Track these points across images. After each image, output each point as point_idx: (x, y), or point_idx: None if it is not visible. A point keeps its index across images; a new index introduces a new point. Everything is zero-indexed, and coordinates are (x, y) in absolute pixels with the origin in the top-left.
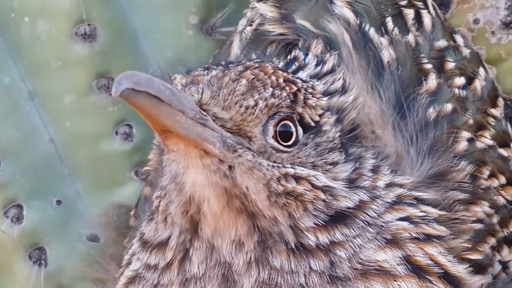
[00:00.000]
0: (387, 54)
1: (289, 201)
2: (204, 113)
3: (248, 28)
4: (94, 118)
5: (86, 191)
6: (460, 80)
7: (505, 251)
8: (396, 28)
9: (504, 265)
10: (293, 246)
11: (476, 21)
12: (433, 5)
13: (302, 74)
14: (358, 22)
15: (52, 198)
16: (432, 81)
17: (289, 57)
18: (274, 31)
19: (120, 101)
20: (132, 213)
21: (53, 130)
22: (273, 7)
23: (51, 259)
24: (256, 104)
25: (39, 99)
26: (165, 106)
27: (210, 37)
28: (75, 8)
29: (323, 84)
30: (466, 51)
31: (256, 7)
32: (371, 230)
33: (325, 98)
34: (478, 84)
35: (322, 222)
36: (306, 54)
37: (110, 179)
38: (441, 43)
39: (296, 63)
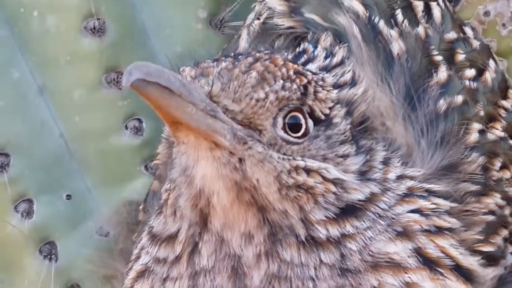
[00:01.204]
0: (397, 46)
1: (299, 194)
2: (215, 105)
3: (256, 22)
4: (104, 112)
5: (96, 186)
6: (470, 72)
7: None
8: (405, 20)
9: None
10: (303, 239)
11: (486, 14)
12: None
13: (312, 67)
14: (367, 14)
15: (62, 193)
16: (442, 73)
17: (298, 49)
18: (283, 24)
19: (129, 96)
20: (141, 207)
21: (62, 124)
22: (282, 1)
23: (61, 253)
24: (267, 97)
25: (49, 94)
26: (175, 97)
27: (219, 31)
28: (84, 2)
29: (333, 76)
30: (476, 43)
31: (264, 0)
32: (382, 222)
33: (335, 91)
34: (489, 76)
35: (332, 215)
36: (315, 47)
37: (120, 174)
38: (451, 35)
39: (305, 56)
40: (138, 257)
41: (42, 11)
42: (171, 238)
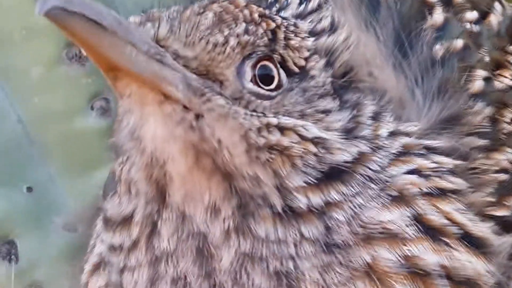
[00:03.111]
0: None
1: (273, 156)
2: (162, 49)
3: None
4: (66, 92)
5: (60, 175)
6: (472, 14)
7: None
8: None
9: None
10: (280, 210)
11: None
12: None
13: (284, 15)
14: None
15: (22, 184)
16: (438, 16)
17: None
18: None
19: (95, 73)
20: (100, 193)
21: (20, 108)
22: None
23: (22, 253)
24: (227, 41)
25: (3, 74)
26: (108, 34)
27: None
28: None
29: (309, 23)
30: None
31: None
32: (374, 186)
33: (312, 39)
34: (494, 19)
35: (314, 180)
36: None
37: (87, 161)
38: None
39: (276, 5)
40: (93, 247)
41: None
42: (126, 220)
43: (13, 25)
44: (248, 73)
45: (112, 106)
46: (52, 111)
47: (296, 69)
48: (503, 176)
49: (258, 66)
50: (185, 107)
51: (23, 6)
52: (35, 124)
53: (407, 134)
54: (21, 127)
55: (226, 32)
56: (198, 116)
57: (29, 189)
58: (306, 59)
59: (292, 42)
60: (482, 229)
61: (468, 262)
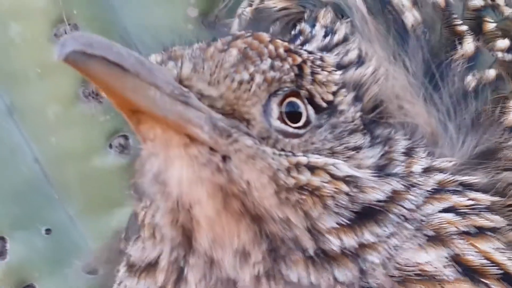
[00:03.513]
0: (410, 16)
1: (303, 197)
2: (186, 89)
3: (248, 9)
4: (84, 130)
5: (80, 216)
6: (503, 43)
7: None
8: None
9: None
10: (312, 254)
11: None
12: None
13: (308, 47)
14: None
15: (40, 226)
16: (468, 45)
17: (293, 32)
18: (275, 6)
19: (113, 110)
20: (122, 235)
21: (37, 147)
22: None
23: None
24: (252, 78)
25: (19, 114)
26: (131, 76)
27: (214, 31)
28: (53, 6)
29: (335, 56)
30: (508, 11)
31: None
32: (409, 226)
33: (339, 72)
34: None
35: (346, 221)
36: (313, 26)
37: (107, 200)
38: (477, 2)
39: (301, 37)
40: None
41: (4, 19)
42: (152, 266)
43: (27, 63)
44: (275, 110)
45: (131, 143)
46: (70, 150)
47: (324, 104)
48: None
49: (285, 103)
50: (211, 148)
51: (37, 43)
52: (52, 164)
53: (442, 170)
54: (38, 167)
55: (251, 69)
56: (225, 158)
57: (48, 231)
58: (334, 93)
59: (319, 76)
60: None
61: None
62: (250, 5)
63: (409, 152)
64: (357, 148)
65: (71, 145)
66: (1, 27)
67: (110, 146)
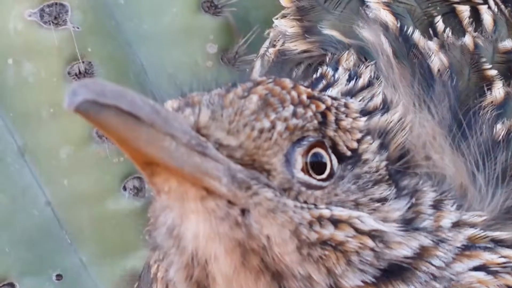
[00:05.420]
0: (437, 60)
1: (326, 252)
2: (203, 138)
3: (271, 50)
4: (97, 172)
5: (92, 261)
6: None
7: None
8: (448, 29)
9: None
10: None
11: None
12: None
13: (332, 92)
14: (398, 25)
15: (51, 272)
16: (498, 90)
17: (314, 76)
18: (296, 49)
19: None
20: (135, 286)
21: (49, 190)
22: (294, 21)
23: None
24: (274, 126)
25: (31, 155)
26: (145, 127)
27: (233, 67)
28: (66, 44)
29: (359, 101)
30: None
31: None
32: (438, 285)
33: (363, 119)
34: None
35: (372, 278)
36: (336, 69)
37: (121, 245)
38: (507, 43)
39: (323, 81)
40: None
41: (17, 57)
42: None
43: (40, 102)
44: (299, 161)
45: (146, 185)
46: (83, 193)
47: (349, 153)
48: None
49: (310, 153)
50: (229, 202)
51: (50, 82)
52: (64, 207)
53: (472, 225)
54: (50, 210)
55: (272, 116)
56: (244, 211)
57: (59, 276)
58: (358, 141)
59: (344, 123)
60: None
61: None
62: (274, 46)
63: (437, 205)
64: (383, 200)
65: (84, 187)
66: (15, 67)
67: (124, 188)
